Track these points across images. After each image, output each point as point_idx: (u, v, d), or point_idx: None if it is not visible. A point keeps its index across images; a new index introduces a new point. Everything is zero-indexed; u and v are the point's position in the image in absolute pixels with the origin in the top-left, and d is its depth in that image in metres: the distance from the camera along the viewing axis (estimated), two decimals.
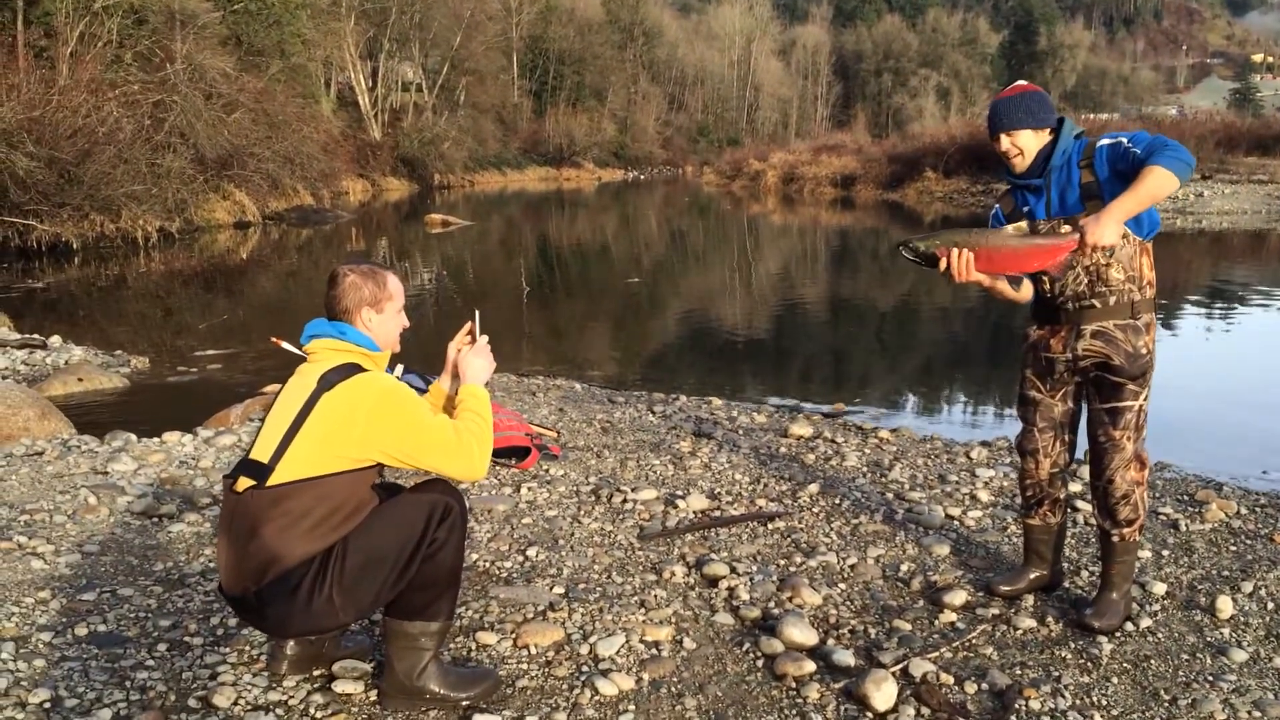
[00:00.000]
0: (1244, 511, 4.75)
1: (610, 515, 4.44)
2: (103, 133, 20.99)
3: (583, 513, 4.44)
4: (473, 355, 2.95)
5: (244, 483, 2.59)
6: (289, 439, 2.56)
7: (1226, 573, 3.96)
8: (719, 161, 58.23)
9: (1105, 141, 3.25)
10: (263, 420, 2.72)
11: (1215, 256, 17.88)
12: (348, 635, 3.11)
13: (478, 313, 3.00)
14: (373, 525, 2.64)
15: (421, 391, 4.93)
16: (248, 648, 3.14)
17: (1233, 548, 4.26)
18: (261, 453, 2.59)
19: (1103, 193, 3.22)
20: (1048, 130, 3.36)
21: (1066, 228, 3.27)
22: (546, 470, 5.04)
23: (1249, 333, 10.57)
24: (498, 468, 5.00)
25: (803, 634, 3.27)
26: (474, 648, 3.17)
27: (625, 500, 4.60)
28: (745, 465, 5.31)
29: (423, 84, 57.94)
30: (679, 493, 4.76)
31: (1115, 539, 3.47)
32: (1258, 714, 2.86)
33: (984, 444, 6.01)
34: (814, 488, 4.88)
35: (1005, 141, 3.39)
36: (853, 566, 3.95)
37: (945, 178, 32.53)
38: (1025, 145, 3.37)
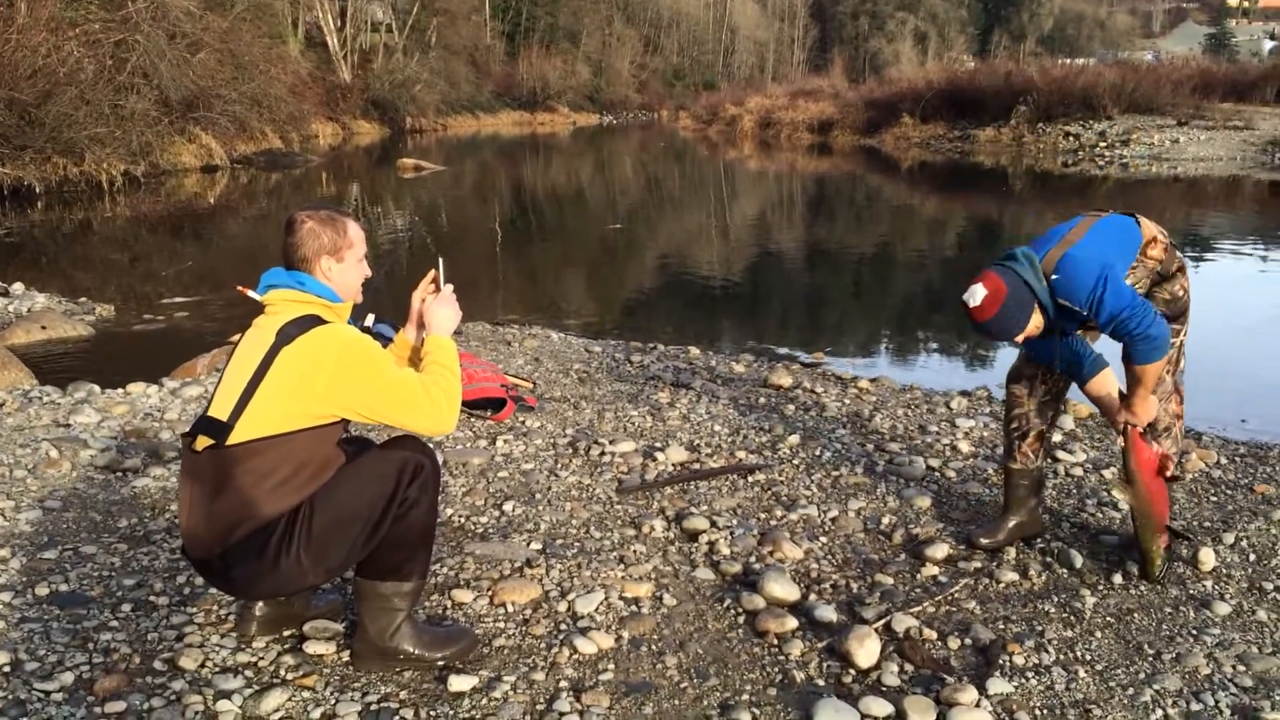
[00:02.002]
0: (1224, 461, 4.73)
1: (588, 468, 4.36)
2: (63, 73, 20.41)
3: (560, 466, 4.36)
4: (438, 305, 2.83)
5: (203, 442, 2.48)
6: (248, 395, 2.45)
7: (1208, 524, 3.94)
8: (695, 106, 57.65)
9: (1063, 303, 3.22)
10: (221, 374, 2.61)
11: (1191, 203, 17.87)
12: (319, 594, 3.03)
13: (442, 260, 2.87)
14: (341, 484, 2.54)
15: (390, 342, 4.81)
16: (215, 608, 3.05)
17: (1213, 498, 4.24)
18: (220, 410, 2.48)
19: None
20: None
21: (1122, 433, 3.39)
22: (523, 422, 4.95)
23: (1224, 281, 10.57)
24: (473, 420, 4.91)
25: (784, 589, 3.22)
26: (449, 605, 3.09)
27: (603, 453, 4.52)
28: (724, 416, 5.24)
29: (393, 24, 56.78)
30: (658, 445, 4.69)
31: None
32: (1241, 668, 2.84)
33: (964, 394, 5.97)
34: (794, 439, 4.82)
35: (1019, 339, 3.34)
36: (834, 520, 3.90)
37: (922, 123, 32.28)
38: (1033, 327, 3.29)
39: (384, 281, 10.96)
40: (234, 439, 2.45)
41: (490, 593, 3.15)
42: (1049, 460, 4.46)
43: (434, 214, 18.62)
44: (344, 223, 2.70)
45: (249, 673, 2.72)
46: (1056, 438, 4.89)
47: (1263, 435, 5.37)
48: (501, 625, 2.99)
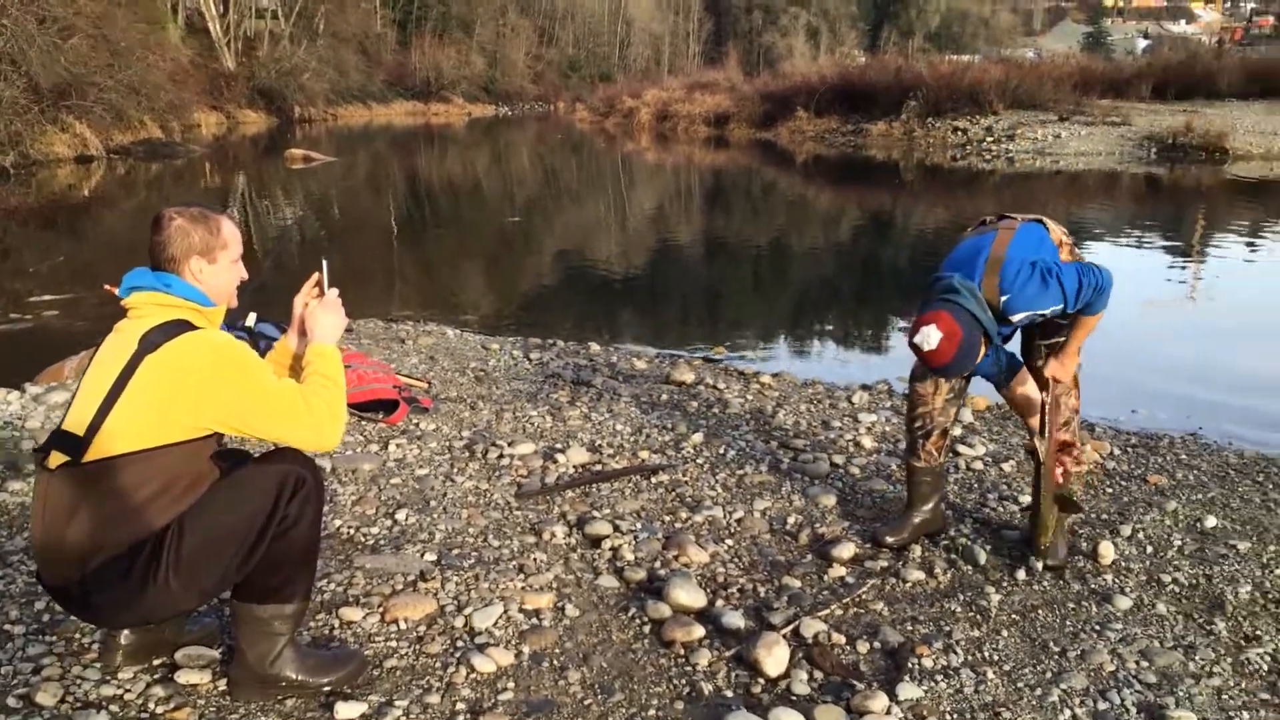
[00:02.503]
0: (1117, 452, 4.81)
1: (485, 472, 4.19)
2: None
3: (456, 470, 4.18)
4: (321, 311, 2.63)
5: (57, 458, 2.26)
6: (107, 408, 2.23)
7: (1105, 516, 3.98)
8: (592, 98, 57.35)
9: (1021, 317, 3.25)
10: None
11: (1073, 197, 18.45)
12: (192, 618, 2.81)
13: (326, 262, 2.68)
14: (214, 501, 2.34)
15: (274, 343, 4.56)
16: (78, 635, 2.81)
17: (1109, 490, 4.30)
18: (75, 423, 2.25)
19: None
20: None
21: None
22: (416, 424, 4.75)
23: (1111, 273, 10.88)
24: (364, 423, 4.68)
25: (690, 596, 3.11)
26: (337, 625, 2.91)
27: (501, 455, 4.35)
28: (626, 415, 5.13)
29: (278, 11, 55.12)
30: (558, 446, 4.54)
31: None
32: (1145, 664, 2.84)
33: (865, 387, 5.97)
34: (697, 437, 4.73)
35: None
36: (739, 520, 3.82)
37: (817, 117, 32.67)
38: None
39: (271, 277, 10.55)
40: (91, 455, 2.23)
41: (381, 609, 2.97)
42: (950, 455, 4.46)
43: (324, 206, 18.08)
44: (217, 221, 2.49)
45: (114, 707, 2.50)
46: (956, 431, 4.91)
47: (1152, 425, 5.49)
48: (393, 645, 2.82)
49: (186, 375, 2.26)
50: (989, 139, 27.30)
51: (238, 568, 2.37)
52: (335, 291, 2.67)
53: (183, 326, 2.33)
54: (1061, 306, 3.19)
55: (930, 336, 3.03)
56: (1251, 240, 13.59)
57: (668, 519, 3.81)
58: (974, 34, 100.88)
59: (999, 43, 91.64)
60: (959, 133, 28.21)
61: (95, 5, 29.84)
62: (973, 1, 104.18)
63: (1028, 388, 3.47)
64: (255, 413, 2.30)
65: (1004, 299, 3.17)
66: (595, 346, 6.92)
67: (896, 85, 30.57)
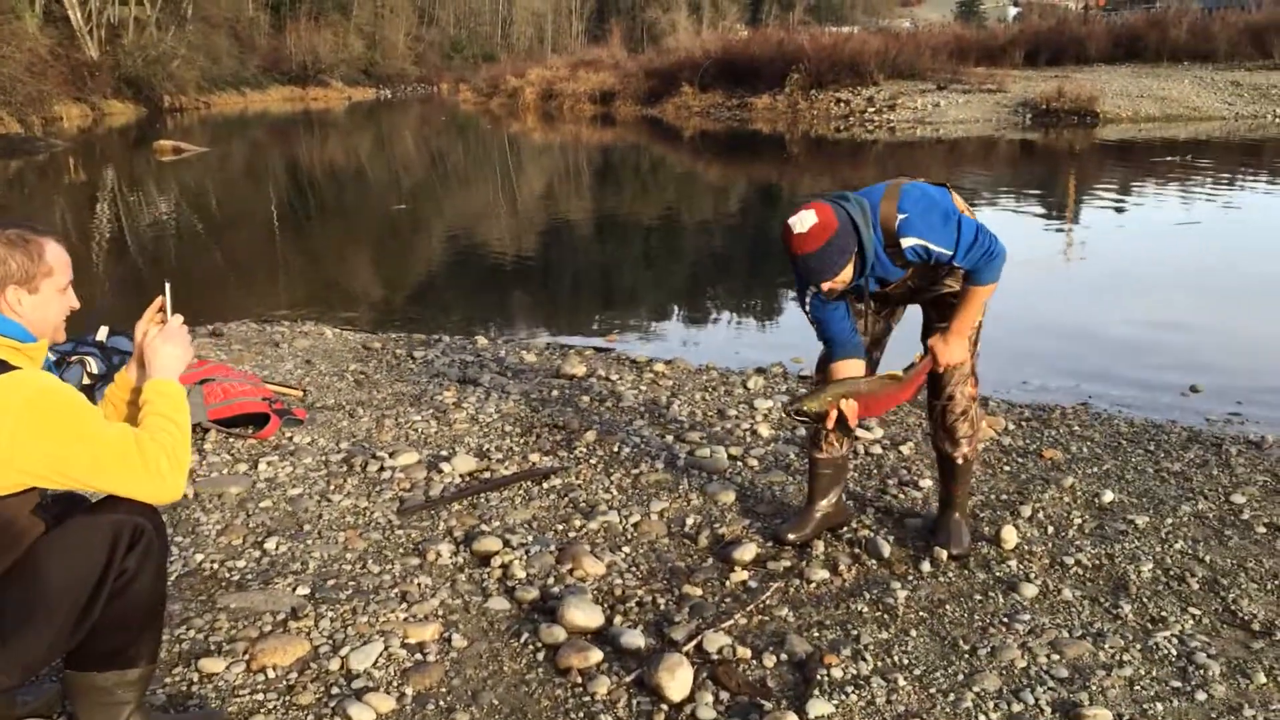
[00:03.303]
0: (1012, 427, 4.79)
1: (365, 488, 3.93)
2: None
3: (333, 488, 3.90)
4: (162, 341, 2.34)
5: None
6: None
7: (1005, 496, 3.93)
8: (475, 79, 56.36)
9: (912, 242, 3.03)
10: None
11: (953, 163, 18.77)
12: (26, 687, 2.51)
13: (168, 285, 2.39)
14: (38, 560, 2.05)
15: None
16: None
17: (1006, 468, 4.26)
18: None
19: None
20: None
21: (918, 355, 3.29)
22: (290, 438, 4.44)
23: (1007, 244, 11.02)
24: (231, 440, 4.36)
25: (586, 615, 2.93)
26: (196, 679, 2.63)
27: (382, 468, 4.09)
28: (516, 414, 4.90)
29: None
30: (444, 453, 4.30)
31: (958, 460, 3.42)
32: (1056, 656, 2.77)
33: (759, 371, 5.86)
34: (590, 435, 4.54)
35: (825, 285, 3.05)
36: (636, 525, 3.64)
37: (702, 92, 32.66)
38: (845, 277, 3.06)
39: (130, 281, 9.99)
40: None
41: (247, 656, 2.71)
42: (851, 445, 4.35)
43: (196, 200, 17.28)
44: (39, 244, 2.17)
45: None
46: None
47: (1044, 396, 5.51)
48: (261, 697, 2.56)
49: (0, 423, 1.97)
50: (870, 109, 27.65)
51: (69, 633, 2.09)
52: (179, 319, 2.38)
53: None
54: (951, 254, 3.02)
55: (805, 219, 2.94)
56: (1121, 201, 14.00)
57: (561, 528, 3.61)
58: (852, 5, 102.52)
59: (876, 13, 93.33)
60: (841, 104, 28.50)
61: None
62: None
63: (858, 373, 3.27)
64: (79, 463, 2.02)
65: (901, 218, 3.02)
66: (483, 340, 6.67)
67: (779, 58, 30.72)
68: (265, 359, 5.87)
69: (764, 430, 4.68)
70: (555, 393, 5.30)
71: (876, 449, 4.44)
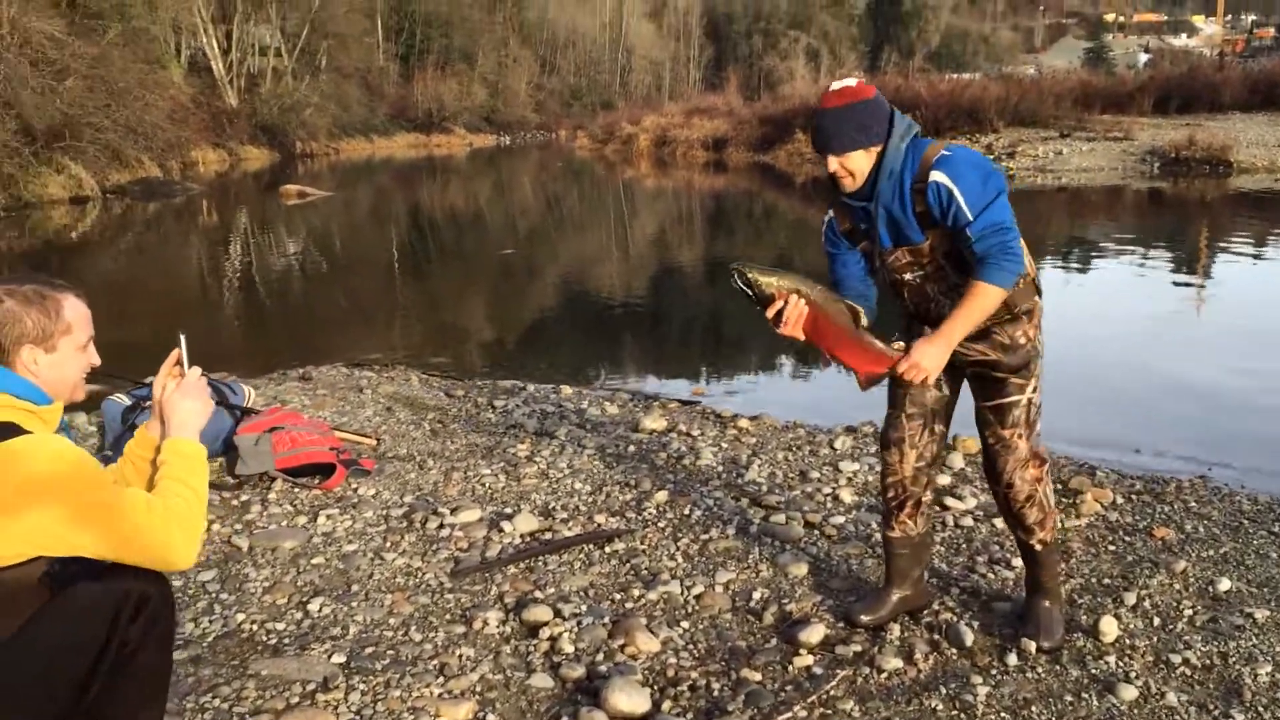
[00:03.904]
0: (1120, 501, 4.42)
1: (422, 546, 3.81)
2: None
3: (389, 545, 3.80)
4: (180, 396, 2.25)
5: None
6: None
7: (1107, 580, 3.58)
8: (592, 125, 57.30)
9: (940, 178, 2.76)
10: None
11: (1074, 213, 18.07)
12: None
13: (184, 337, 2.30)
14: (36, 630, 1.96)
15: (235, 408, 4.18)
16: None
17: (1112, 547, 3.90)
18: None
19: (938, 227, 2.83)
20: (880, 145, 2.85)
21: (899, 345, 2.91)
22: (355, 489, 4.37)
23: (1112, 292, 10.50)
24: (296, 490, 4.31)
25: (631, 700, 2.72)
26: None
27: (441, 525, 3.97)
28: (588, 470, 4.75)
29: (281, 48, 55.36)
30: (507, 510, 4.16)
31: (1036, 546, 3.11)
32: None
33: (849, 430, 5.59)
34: (662, 495, 4.35)
35: (833, 163, 2.86)
36: (699, 597, 3.43)
37: None
38: (856, 168, 2.86)
39: (243, 325, 10.26)
40: None
41: None
42: (935, 512, 4.05)
43: (312, 243, 17.81)
44: (58, 300, 2.11)
45: None
46: (944, 479, 4.52)
47: (1160, 466, 5.10)
48: None
49: (4, 490, 1.90)
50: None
51: (68, 710, 1.99)
52: (197, 371, 2.30)
53: (8, 431, 1.97)
54: (971, 217, 2.71)
55: (845, 81, 2.85)
56: (1256, 254, 13.19)
57: (619, 597, 3.42)
58: (974, 52, 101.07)
59: (1000, 60, 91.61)
60: None
61: (92, 48, 29.91)
62: (972, 20, 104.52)
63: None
64: (86, 536, 1.93)
65: (943, 154, 2.80)
66: (567, 390, 6.56)
67: (896, 104, 29.91)
68: (347, 404, 5.86)
69: (846, 496, 4.41)
70: (632, 448, 5.13)
71: (968, 520, 4.13)
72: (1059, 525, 3.16)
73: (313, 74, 54.64)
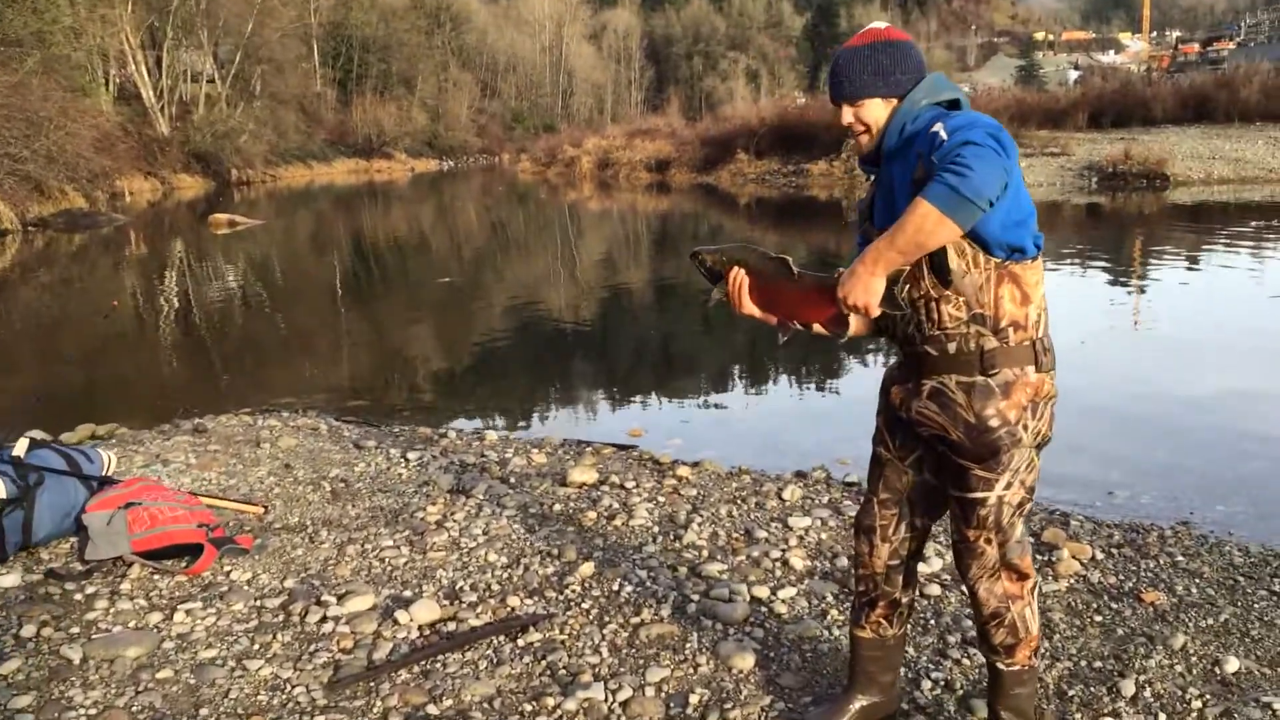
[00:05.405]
0: (1099, 556, 3.96)
1: (297, 648, 3.20)
2: None
3: (256, 649, 3.19)
4: None
5: None
6: None
7: (1098, 662, 3.09)
8: (534, 148, 56.84)
9: (936, 127, 2.15)
10: None
11: None
12: None
13: None
14: None
15: (90, 479, 3.57)
16: None
17: (1099, 617, 3.42)
18: None
19: None
20: (901, 99, 2.34)
21: (840, 271, 2.30)
22: (228, 573, 3.75)
23: (1059, 314, 10.12)
24: (156, 577, 3.68)
25: None
26: None
27: (324, 618, 3.37)
28: (505, 537, 4.18)
29: (215, 75, 54.34)
30: (406, 593, 3.58)
31: (999, 666, 2.51)
32: None
33: (799, 475, 5.10)
34: (587, 568, 3.80)
35: (847, 114, 2.37)
36: (625, 705, 2.88)
37: (757, 159, 32.22)
38: (873, 118, 2.35)
39: (132, 371, 9.54)
40: None
41: None
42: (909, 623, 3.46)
43: (236, 276, 17.01)
44: None
45: None
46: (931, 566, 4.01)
47: (1136, 512, 4.66)
48: None
49: None
50: None
51: None
52: None
53: None
54: (942, 136, 2.08)
55: (881, 23, 2.42)
56: (1208, 267, 13.00)
57: (529, 709, 2.85)
58: None
59: None
60: None
61: (9, 75, 28.87)
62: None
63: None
64: None
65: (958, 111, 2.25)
66: (492, 436, 5.99)
67: (836, 124, 30.04)
68: (240, 462, 5.23)
69: (797, 560, 3.89)
70: (558, 507, 4.57)
71: (934, 588, 3.63)
72: (1038, 647, 2.55)
73: (247, 100, 53.67)
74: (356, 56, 68.97)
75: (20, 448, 3.88)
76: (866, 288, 2.19)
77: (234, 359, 9.67)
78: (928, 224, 2.04)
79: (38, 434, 5.47)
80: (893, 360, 2.59)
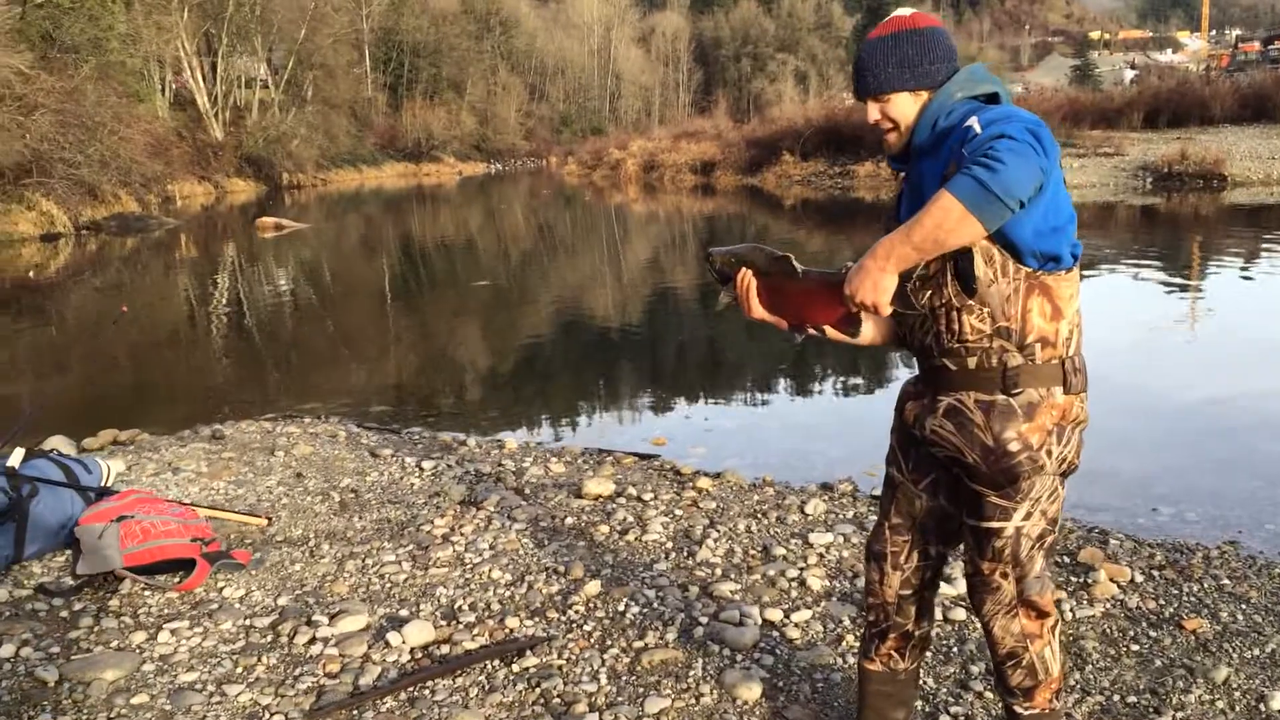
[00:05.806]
0: (1139, 579, 3.71)
1: (281, 671, 3.07)
2: None
3: (239, 672, 3.06)
4: None
5: None
6: None
7: (1133, 697, 2.87)
8: (580, 151, 56.92)
9: (970, 120, 1.96)
10: None
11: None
12: None
13: None
14: None
15: (88, 489, 3.50)
16: None
17: (1135, 646, 3.19)
18: None
19: None
20: (931, 91, 2.12)
21: (848, 265, 2.09)
22: (221, 589, 3.63)
23: (1107, 318, 9.79)
24: (147, 592, 3.58)
25: None
26: None
27: (314, 639, 3.23)
28: (512, 553, 4.03)
29: (268, 80, 55.16)
30: (403, 613, 3.45)
31: (1016, 710, 2.30)
32: None
33: (824, 488, 4.90)
34: (594, 587, 3.63)
35: (873, 110, 2.16)
36: None
37: (803, 160, 31.89)
38: (901, 114, 2.13)
39: (182, 373, 9.55)
40: None
41: None
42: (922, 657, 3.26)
43: (278, 279, 17.11)
44: None
45: None
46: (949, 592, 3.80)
47: (1180, 530, 4.40)
48: None
49: None
50: None
51: None
52: None
53: None
54: (975, 130, 1.90)
55: (904, 10, 2.19)
56: (1257, 273, 12.52)
57: None
58: None
59: None
60: None
61: (64, 82, 29.39)
62: (959, 40, 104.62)
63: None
64: None
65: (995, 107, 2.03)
66: (512, 444, 5.85)
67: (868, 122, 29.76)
68: (252, 471, 5.13)
69: (815, 581, 3.70)
70: (570, 520, 4.41)
71: (958, 612, 3.41)
72: (1060, 689, 2.32)
73: (299, 105, 54.32)
74: (407, 61, 69.58)
75: (15, 458, 3.80)
76: (876, 284, 1.98)
77: (266, 363, 9.66)
78: (949, 219, 1.84)
79: (59, 439, 5.44)
80: (911, 374, 2.40)
